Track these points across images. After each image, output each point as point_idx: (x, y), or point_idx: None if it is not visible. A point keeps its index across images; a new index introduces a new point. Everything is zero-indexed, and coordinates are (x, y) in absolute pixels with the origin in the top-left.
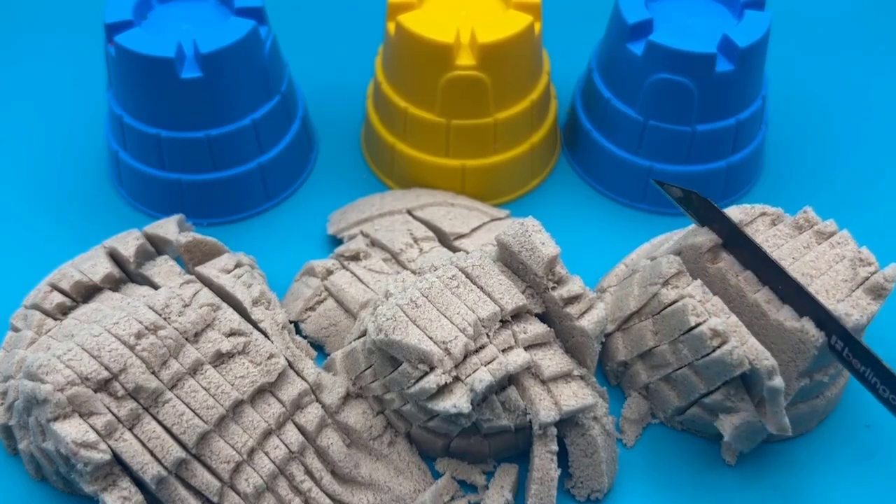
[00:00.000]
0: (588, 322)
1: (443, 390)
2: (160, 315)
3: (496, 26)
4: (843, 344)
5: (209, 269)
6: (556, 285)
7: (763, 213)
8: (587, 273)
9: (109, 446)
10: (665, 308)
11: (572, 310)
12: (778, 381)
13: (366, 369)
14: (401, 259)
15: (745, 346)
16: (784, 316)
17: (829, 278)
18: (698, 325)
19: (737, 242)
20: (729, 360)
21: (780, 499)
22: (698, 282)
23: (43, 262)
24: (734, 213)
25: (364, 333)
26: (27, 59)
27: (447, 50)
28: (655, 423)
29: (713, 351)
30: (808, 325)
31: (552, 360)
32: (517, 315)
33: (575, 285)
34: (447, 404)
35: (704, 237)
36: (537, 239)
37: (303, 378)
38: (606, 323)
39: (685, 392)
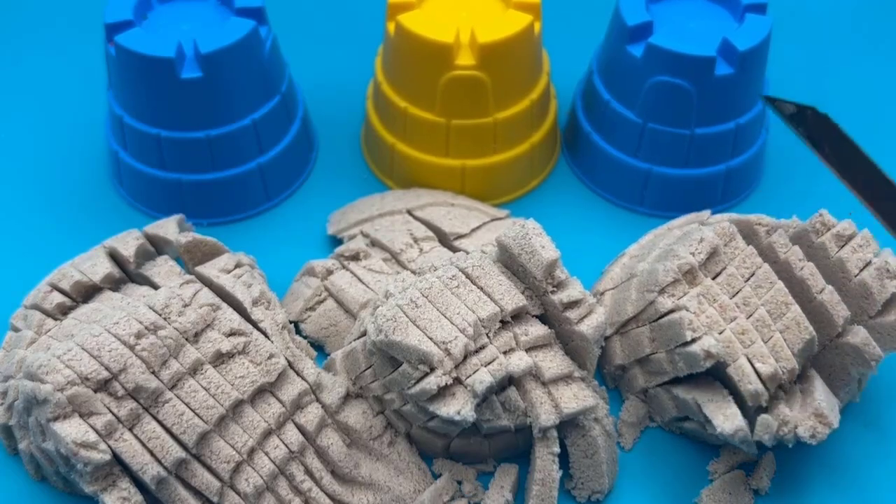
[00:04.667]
0: (587, 327)
1: (443, 392)
2: (160, 315)
3: (496, 26)
4: None
5: (209, 269)
6: (555, 289)
7: (759, 223)
8: (584, 275)
9: (109, 446)
10: (661, 317)
11: (572, 314)
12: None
13: (366, 369)
14: (401, 259)
15: (735, 365)
16: (827, 298)
17: (857, 289)
18: (694, 339)
19: (853, 162)
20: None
21: (778, 499)
22: (694, 292)
23: (43, 262)
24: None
25: (364, 333)
26: (27, 59)
27: (447, 50)
28: (653, 426)
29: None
30: (859, 332)
31: (553, 361)
32: (517, 316)
33: (575, 290)
34: (450, 411)
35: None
36: (537, 242)
37: (303, 378)
38: (606, 328)
39: (683, 408)
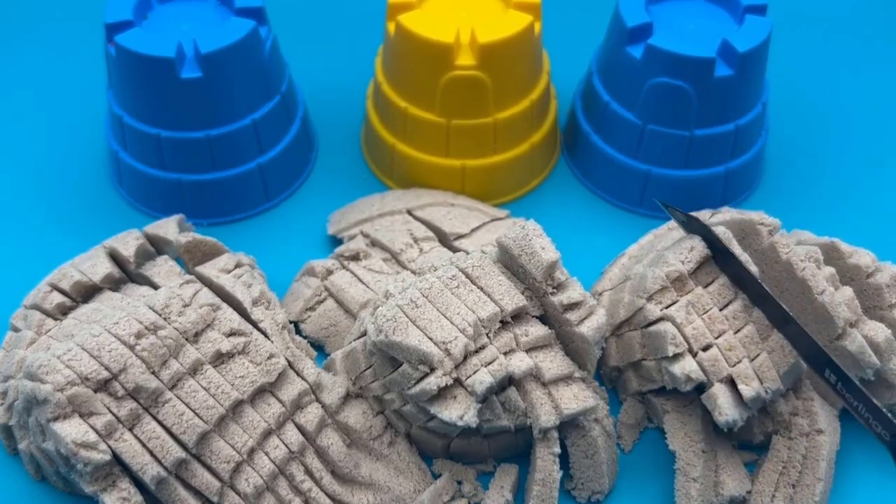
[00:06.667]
0: (588, 328)
1: (444, 393)
2: (160, 315)
3: (496, 26)
4: (836, 378)
5: (209, 269)
6: (555, 290)
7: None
8: (584, 276)
9: (109, 446)
10: (650, 324)
11: (572, 316)
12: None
13: (366, 369)
14: (401, 259)
15: (709, 393)
16: (829, 299)
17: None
18: (676, 356)
19: (733, 269)
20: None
21: None
22: (683, 301)
23: (43, 262)
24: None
25: (364, 334)
26: (27, 59)
27: (447, 50)
28: (652, 426)
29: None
30: (856, 338)
31: (553, 362)
32: (517, 316)
33: (575, 292)
34: (453, 415)
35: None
36: (537, 243)
37: (303, 378)
38: (606, 329)
39: None
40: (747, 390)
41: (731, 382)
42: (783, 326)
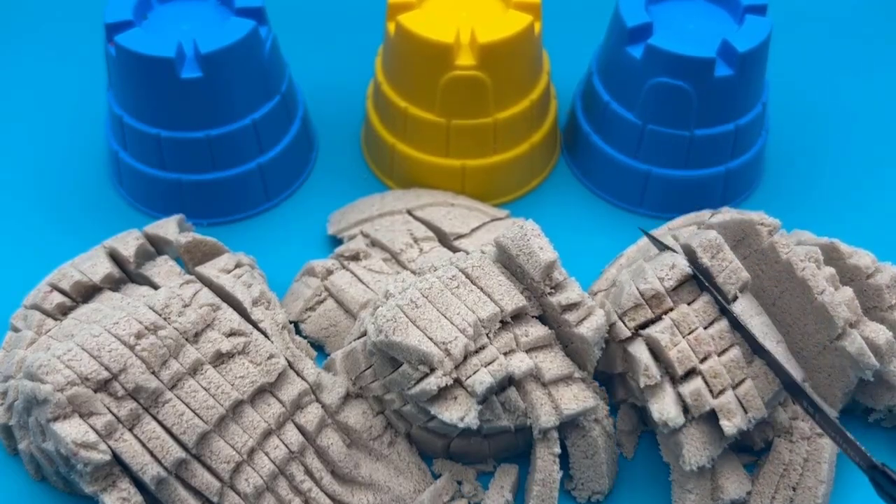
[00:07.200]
0: (587, 329)
1: (444, 394)
2: (160, 315)
3: (496, 26)
4: (813, 410)
5: (209, 269)
6: (553, 291)
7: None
8: (584, 277)
9: (109, 447)
10: (626, 340)
11: (570, 317)
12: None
13: (366, 369)
14: (401, 259)
15: (674, 440)
16: (829, 299)
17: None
18: (647, 387)
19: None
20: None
21: None
22: (668, 322)
23: (43, 262)
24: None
25: (364, 334)
26: (27, 59)
27: (447, 50)
28: (651, 429)
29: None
30: (855, 339)
31: (553, 362)
32: (517, 316)
33: (573, 292)
34: (453, 416)
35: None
36: (535, 243)
37: (303, 378)
38: (606, 329)
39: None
40: (729, 427)
41: (713, 416)
42: (761, 355)
